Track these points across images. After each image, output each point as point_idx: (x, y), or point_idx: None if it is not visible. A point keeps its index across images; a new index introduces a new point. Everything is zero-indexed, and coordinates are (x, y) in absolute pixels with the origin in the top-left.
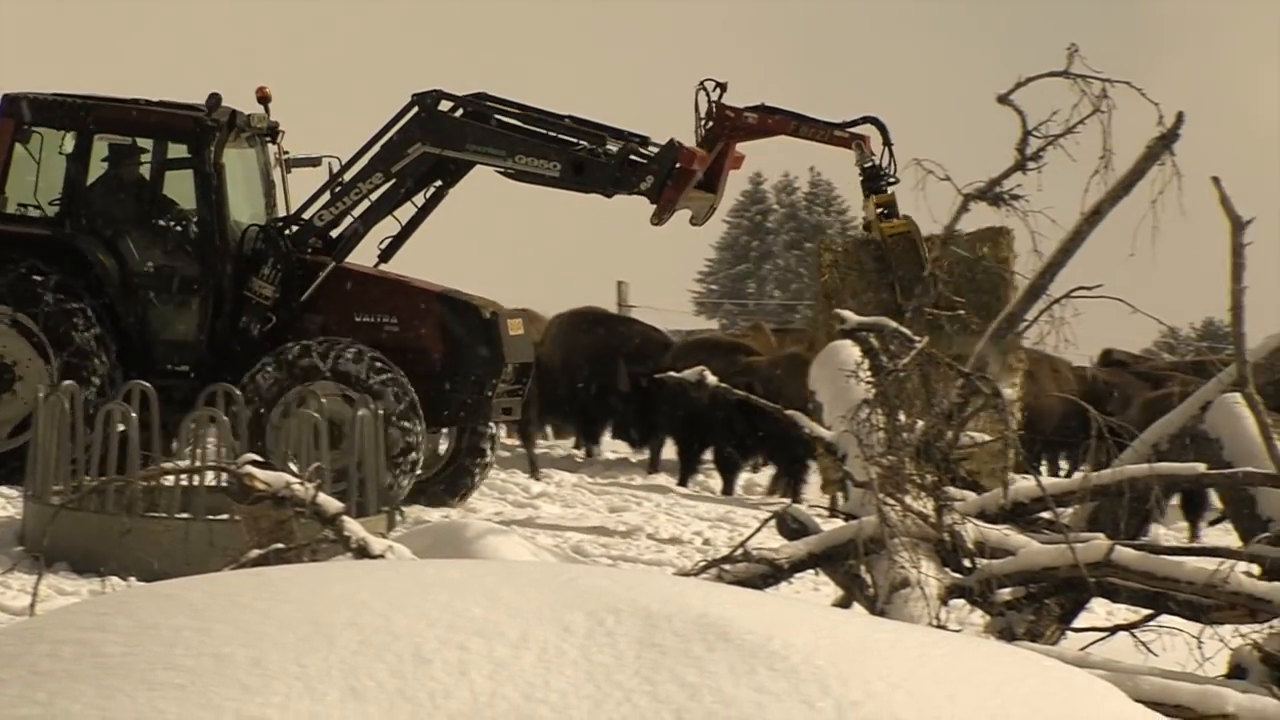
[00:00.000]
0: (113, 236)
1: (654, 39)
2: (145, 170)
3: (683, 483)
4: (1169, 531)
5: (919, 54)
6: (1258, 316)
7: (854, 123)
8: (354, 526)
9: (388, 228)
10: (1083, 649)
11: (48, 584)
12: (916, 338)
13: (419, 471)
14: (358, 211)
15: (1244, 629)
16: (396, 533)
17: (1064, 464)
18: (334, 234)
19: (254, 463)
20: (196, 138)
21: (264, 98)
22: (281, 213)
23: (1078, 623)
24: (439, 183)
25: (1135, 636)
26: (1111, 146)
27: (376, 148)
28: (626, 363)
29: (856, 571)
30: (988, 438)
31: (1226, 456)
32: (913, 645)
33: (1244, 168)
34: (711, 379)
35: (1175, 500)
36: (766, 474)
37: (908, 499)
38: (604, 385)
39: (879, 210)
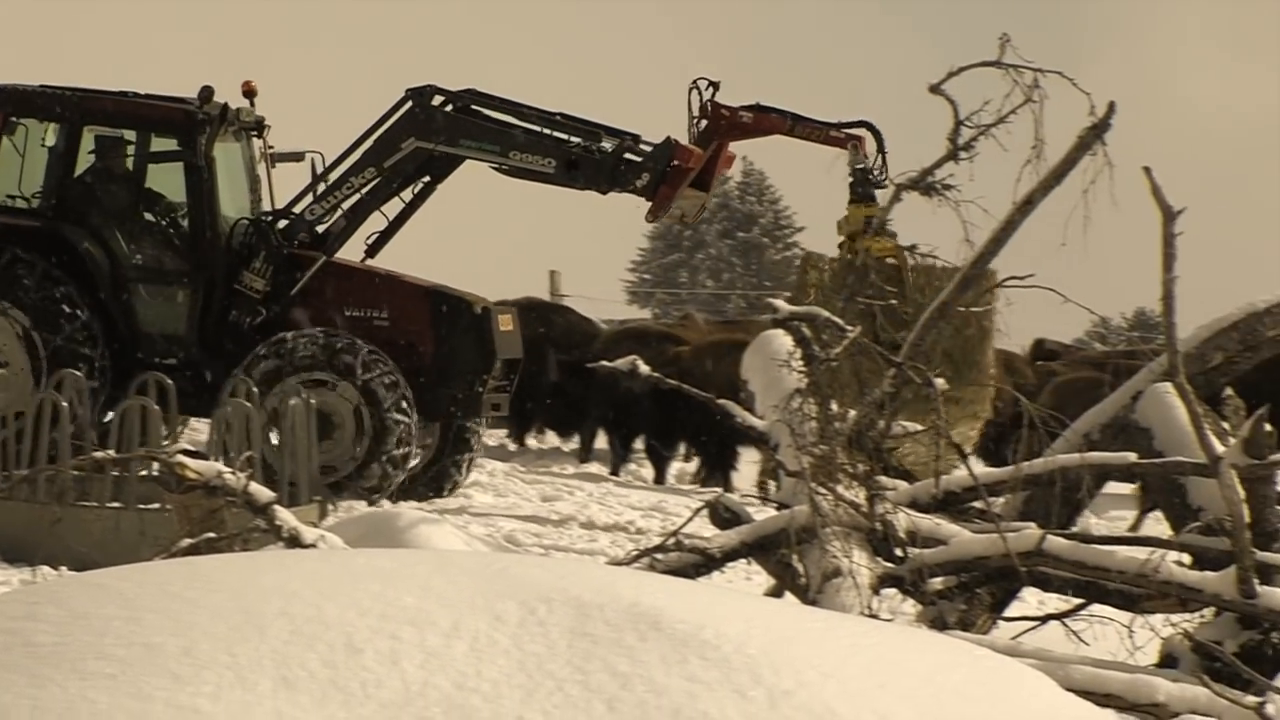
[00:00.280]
0: (102, 229)
1: (640, 37)
2: (135, 163)
3: (615, 472)
4: (1100, 521)
5: (850, 43)
6: (1189, 306)
7: (849, 125)
8: (286, 516)
9: (374, 222)
10: (1014, 638)
11: None
12: (849, 327)
13: (411, 465)
14: (348, 206)
15: (1175, 618)
16: (328, 522)
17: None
18: (320, 228)
19: (185, 452)
20: (187, 131)
21: (250, 92)
22: (267, 207)
23: (1009, 612)
24: (427, 178)
25: (1066, 626)
26: (1043, 136)
27: (369, 143)
28: (556, 352)
29: (789, 561)
30: (919, 427)
31: (1158, 446)
32: (844, 634)
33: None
34: (644, 368)
35: (1108, 489)
36: (699, 463)
37: (840, 488)
38: (535, 374)
39: (866, 221)
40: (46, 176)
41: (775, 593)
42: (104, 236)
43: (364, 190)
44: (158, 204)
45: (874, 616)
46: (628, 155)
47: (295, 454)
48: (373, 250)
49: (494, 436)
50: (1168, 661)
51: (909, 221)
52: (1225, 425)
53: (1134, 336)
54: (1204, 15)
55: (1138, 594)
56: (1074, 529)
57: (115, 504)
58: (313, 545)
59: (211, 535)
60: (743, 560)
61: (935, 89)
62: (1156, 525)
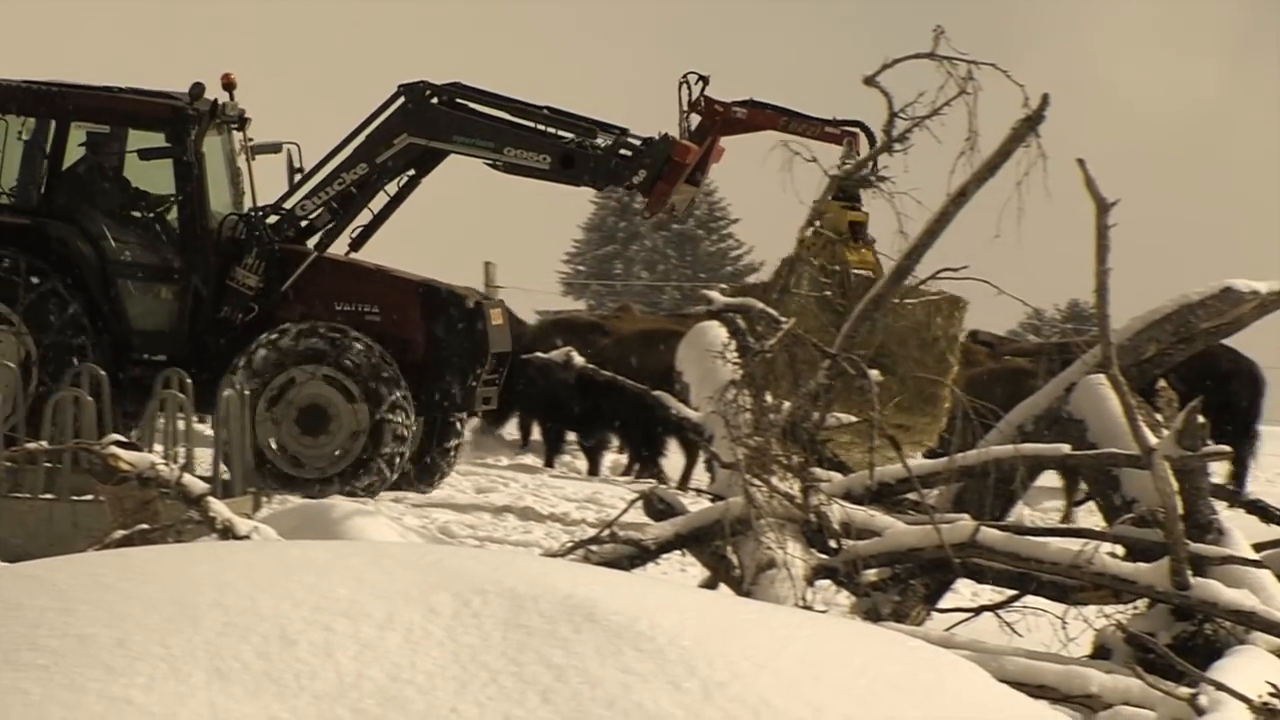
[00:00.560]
0: (90, 225)
1: (611, 31)
2: (123, 159)
3: (549, 463)
4: (1034, 513)
5: (787, 34)
6: (1122, 298)
7: (843, 123)
8: (219, 507)
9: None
10: (948, 629)
11: None
12: (783, 319)
13: (404, 461)
14: (338, 201)
15: (1108, 609)
16: (262, 514)
17: None
18: (308, 224)
19: (118, 443)
20: (176, 126)
21: (229, 84)
22: (249, 201)
23: (943, 603)
24: (412, 171)
25: (1000, 617)
26: (977, 128)
27: (360, 138)
28: None
29: (723, 552)
30: (854, 419)
31: (1091, 437)
32: (778, 626)
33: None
34: (579, 359)
35: (1042, 480)
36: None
37: (774, 480)
38: None
39: (852, 227)
40: (30, 171)
41: (710, 584)
42: (93, 233)
43: (355, 185)
44: (146, 200)
45: (808, 608)
46: (623, 151)
47: (230, 445)
48: (357, 244)
49: None
50: (1101, 653)
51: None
52: (1158, 417)
53: (1068, 328)
54: (1137, 8)
55: (1071, 585)
56: (1008, 521)
57: (48, 495)
58: (247, 537)
59: (145, 527)
60: (677, 552)
61: (870, 81)
62: (1090, 517)
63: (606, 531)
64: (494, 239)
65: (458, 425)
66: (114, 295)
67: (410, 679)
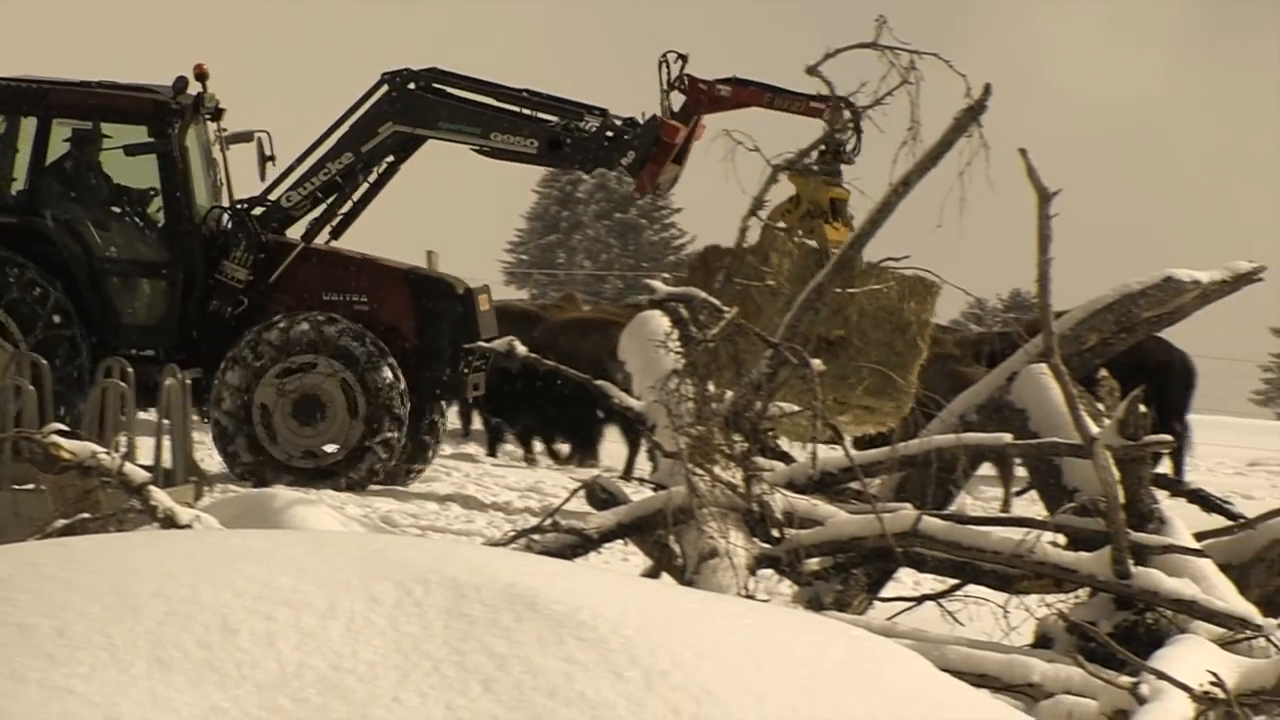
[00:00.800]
0: (76, 222)
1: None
2: (107, 153)
3: (491, 453)
4: (976, 502)
5: (728, 23)
6: (1064, 288)
7: (828, 98)
8: (161, 496)
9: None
10: (890, 618)
11: None
12: (725, 308)
13: (400, 449)
14: (324, 191)
15: (1049, 598)
16: (204, 503)
17: None
18: (291, 214)
19: (59, 432)
20: (159, 120)
21: (202, 75)
22: (225, 192)
23: (885, 592)
24: (391, 158)
25: (942, 606)
26: (920, 118)
27: (344, 128)
28: None
29: (665, 541)
30: (796, 408)
31: (1032, 427)
32: (720, 615)
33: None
34: (521, 349)
35: (983, 469)
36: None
37: (717, 469)
38: None
39: (832, 204)
40: (13, 169)
41: (652, 574)
42: (78, 230)
43: (340, 175)
44: (131, 195)
45: (750, 597)
46: (610, 133)
47: (173, 434)
48: (337, 232)
49: None
50: (1042, 642)
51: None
52: (1100, 406)
53: (1009, 318)
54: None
55: (1013, 575)
56: (950, 510)
57: None
58: (188, 526)
59: (86, 516)
60: (620, 541)
61: (812, 71)
62: (1031, 506)
63: (549, 521)
64: (436, 227)
65: (439, 418)
66: (101, 291)
67: (352, 668)
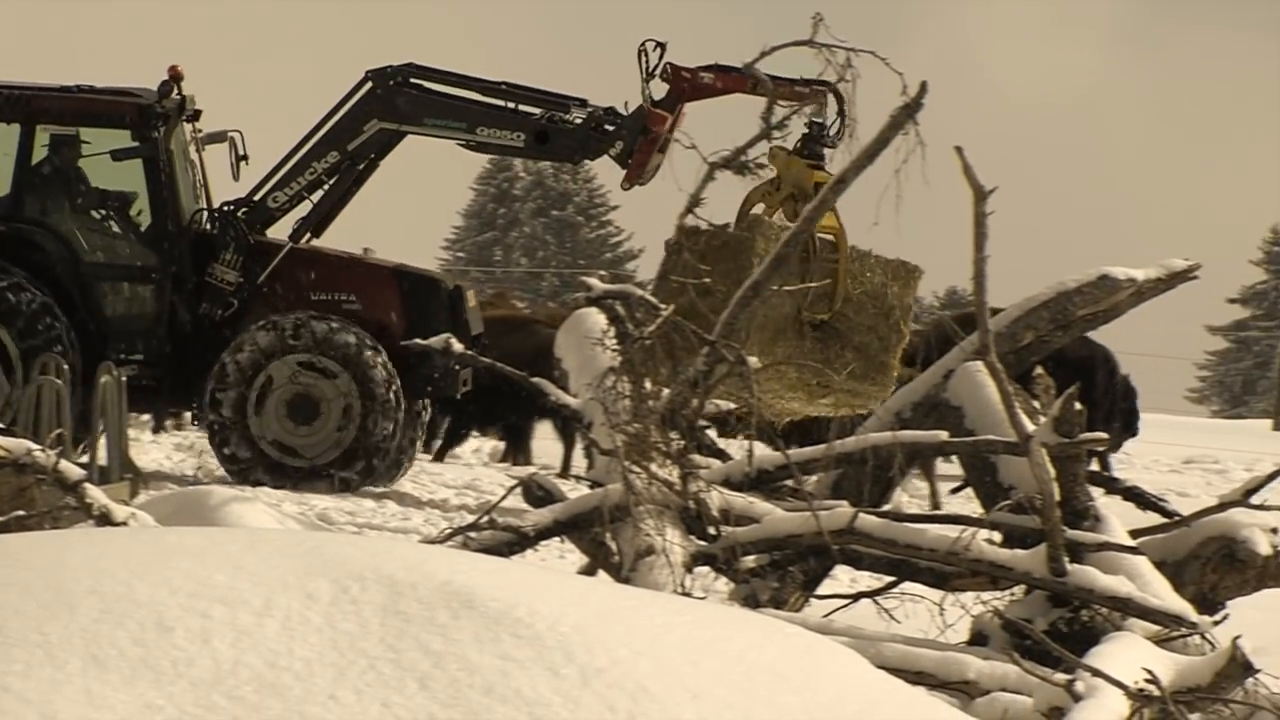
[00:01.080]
0: (62, 227)
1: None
2: (93, 158)
3: (428, 450)
4: (912, 499)
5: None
6: (1000, 285)
7: (813, 83)
8: (96, 494)
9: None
10: (826, 616)
11: None
12: (662, 306)
13: (395, 449)
14: (310, 191)
15: (985, 596)
16: (139, 500)
17: None
18: (276, 214)
19: None
20: (145, 124)
21: (176, 77)
22: (203, 194)
23: (821, 590)
24: (371, 155)
25: (878, 604)
26: (856, 116)
27: (328, 126)
28: None
29: (602, 539)
30: (733, 405)
31: (969, 424)
32: (657, 613)
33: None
34: (458, 345)
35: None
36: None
37: (653, 466)
38: None
39: (814, 187)
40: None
41: (589, 571)
42: (65, 235)
43: (326, 174)
44: (117, 200)
45: (687, 594)
46: (596, 124)
47: (108, 431)
48: (317, 230)
49: None
50: (978, 639)
51: (723, 201)
52: (1036, 404)
53: (945, 315)
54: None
55: (949, 572)
56: (886, 507)
57: None
58: (124, 523)
59: (21, 513)
60: (557, 539)
61: (748, 68)
62: (967, 503)
63: (485, 518)
64: (372, 224)
65: (422, 410)
66: (89, 296)
67: (288, 666)
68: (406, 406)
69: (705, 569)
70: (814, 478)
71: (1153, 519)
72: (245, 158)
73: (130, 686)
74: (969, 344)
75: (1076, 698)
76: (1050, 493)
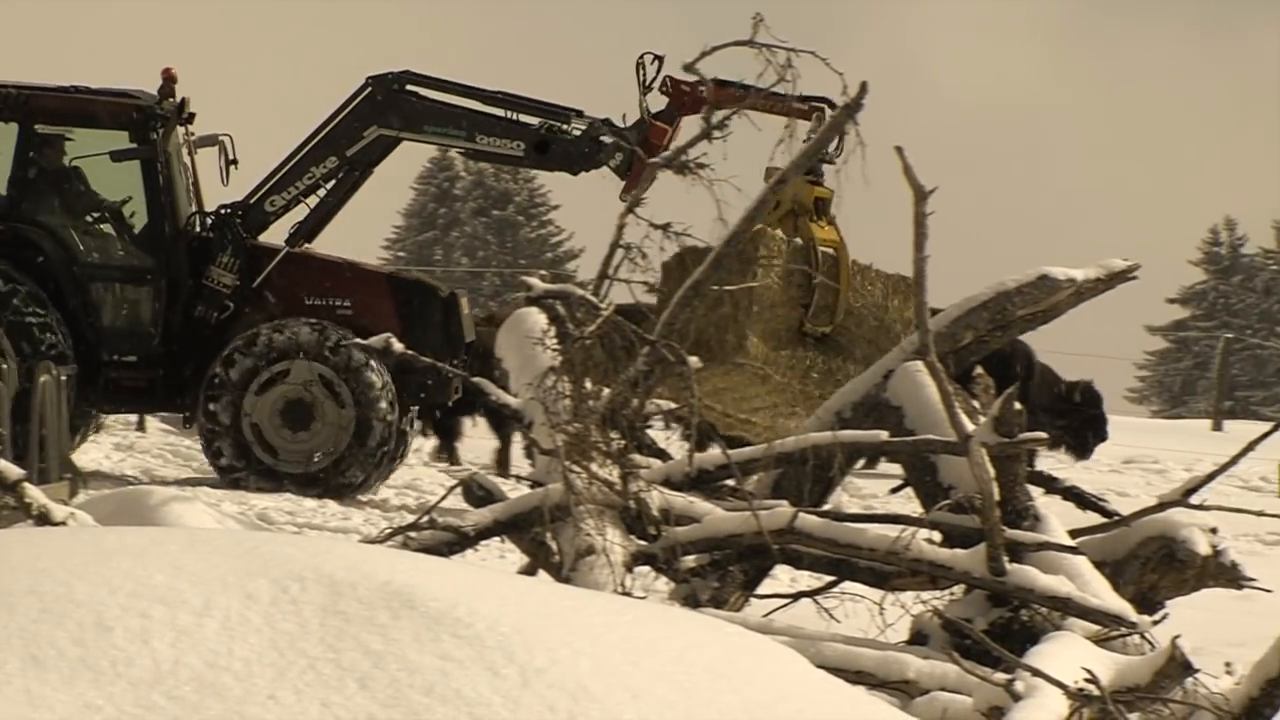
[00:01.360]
0: (59, 228)
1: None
2: (91, 159)
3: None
4: (853, 499)
5: (609, 19)
6: (940, 286)
7: (810, 98)
8: (35, 493)
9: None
10: (766, 615)
11: None
12: (602, 305)
13: (388, 459)
14: (308, 196)
15: (925, 595)
16: (79, 500)
17: None
18: (272, 219)
19: None
20: (143, 126)
21: (170, 79)
22: (196, 196)
23: (761, 589)
24: (369, 161)
25: (818, 603)
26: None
27: (327, 131)
28: None
29: (543, 539)
30: (674, 405)
31: (908, 424)
32: (597, 612)
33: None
34: (398, 346)
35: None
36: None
37: (594, 466)
38: None
39: (817, 203)
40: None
41: (529, 571)
42: (61, 236)
43: (324, 179)
44: (114, 202)
45: (627, 594)
46: (595, 136)
47: (46, 430)
48: (310, 235)
49: None
50: (918, 639)
51: (664, 201)
52: (975, 404)
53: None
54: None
55: (889, 571)
56: (826, 507)
57: None
58: (63, 523)
59: None
60: (496, 538)
61: (689, 68)
62: (907, 503)
63: (425, 518)
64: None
65: (409, 422)
66: (86, 298)
67: (227, 666)
68: (405, 411)
69: (646, 569)
70: (755, 477)
71: (1092, 519)
72: (235, 162)
73: (70, 686)
74: (909, 344)
75: (1016, 697)
76: (990, 492)
